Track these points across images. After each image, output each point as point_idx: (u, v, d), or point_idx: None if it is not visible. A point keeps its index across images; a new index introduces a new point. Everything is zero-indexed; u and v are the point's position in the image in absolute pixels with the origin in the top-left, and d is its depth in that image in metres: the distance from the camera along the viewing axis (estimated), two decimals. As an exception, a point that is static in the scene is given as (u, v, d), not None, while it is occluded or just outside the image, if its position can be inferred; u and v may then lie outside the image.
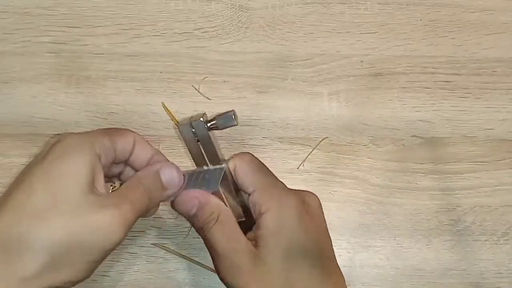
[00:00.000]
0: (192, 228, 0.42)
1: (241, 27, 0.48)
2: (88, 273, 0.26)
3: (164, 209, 0.43)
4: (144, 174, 0.30)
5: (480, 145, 0.46)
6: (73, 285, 0.26)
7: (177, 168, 0.31)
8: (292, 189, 0.33)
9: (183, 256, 0.41)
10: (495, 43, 0.49)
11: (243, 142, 0.45)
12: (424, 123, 0.47)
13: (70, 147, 0.27)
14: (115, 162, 0.30)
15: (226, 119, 0.32)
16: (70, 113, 0.45)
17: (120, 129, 0.31)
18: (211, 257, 0.30)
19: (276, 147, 0.45)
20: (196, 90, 0.46)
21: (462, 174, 0.45)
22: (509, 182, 0.45)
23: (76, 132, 0.29)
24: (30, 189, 0.25)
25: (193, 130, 0.32)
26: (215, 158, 0.33)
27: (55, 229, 0.24)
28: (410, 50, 0.49)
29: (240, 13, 0.49)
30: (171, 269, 0.42)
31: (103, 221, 0.25)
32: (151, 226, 0.42)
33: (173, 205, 0.32)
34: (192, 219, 0.31)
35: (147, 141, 0.32)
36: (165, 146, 0.44)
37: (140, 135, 0.32)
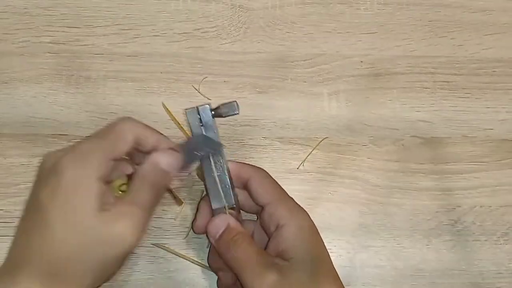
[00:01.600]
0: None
1: (241, 27, 0.48)
2: (113, 275, 0.29)
3: (164, 209, 0.43)
4: (145, 170, 0.31)
5: (480, 145, 0.46)
6: None
7: (173, 152, 0.32)
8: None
9: (183, 256, 0.41)
10: (495, 43, 0.49)
11: (243, 142, 0.45)
12: (424, 123, 0.47)
13: (75, 182, 0.28)
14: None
15: (230, 108, 0.35)
16: (70, 113, 0.45)
17: (116, 129, 0.31)
18: (237, 278, 0.31)
19: (276, 147, 0.45)
20: (196, 90, 0.46)
21: (462, 174, 0.45)
22: (509, 182, 0.45)
23: (76, 135, 0.30)
24: (52, 229, 0.27)
25: (199, 116, 0.35)
26: (216, 144, 0.35)
27: (87, 259, 0.27)
28: (410, 50, 0.49)
29: (240, 13, 0.49)
30: (171, 269, 0.42)
31: (118, 232, 0.27)
32: (151, 226, 0.42)
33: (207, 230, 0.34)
34: (217, 242, 0.33)
35: (147, 126, 0.32)
36: (165, 146, 0.44)
37: (138, 122, 0.32)
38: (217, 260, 0.34)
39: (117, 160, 0.30)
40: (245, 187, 0.35)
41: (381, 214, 0.44)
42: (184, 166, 0.33)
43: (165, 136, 0.34)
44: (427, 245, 0.43)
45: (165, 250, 0.42)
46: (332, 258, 0.42)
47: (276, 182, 0.36)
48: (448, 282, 0.42)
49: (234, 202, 0.35)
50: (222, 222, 0.33)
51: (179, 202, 0.43)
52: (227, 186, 0.35)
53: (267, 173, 0.36)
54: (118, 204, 0.28)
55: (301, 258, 0.31)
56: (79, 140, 0.31)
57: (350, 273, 0.42)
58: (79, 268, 0.27)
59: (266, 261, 0.31)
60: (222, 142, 0.44)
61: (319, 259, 0.32)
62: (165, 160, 0.31)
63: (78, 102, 0.45)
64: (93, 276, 0.27)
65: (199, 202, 0.38)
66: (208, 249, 0.39)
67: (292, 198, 0.35)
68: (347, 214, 0.44)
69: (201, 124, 0.35)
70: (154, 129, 0.33)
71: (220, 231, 0.33)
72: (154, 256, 0.42)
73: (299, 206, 0.35)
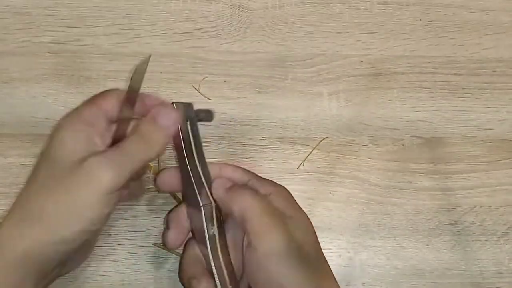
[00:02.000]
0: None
1: (241, 27, 0.48)
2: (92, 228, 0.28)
3: (164, 208, 0.43)
4: (142, 123, 0.30)
5: (480, 145, 0.46)
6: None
7: (172, 109, 0.31)
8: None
9: (183, 256, 0.41)
10: (495, 43, 0.49)
11: (243, 142, 0.45)
12: (424, 123, 0.47)
13: (63, 136, 0.29)
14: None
15: (207, 115, 0.34)
16: (70, 113, 0.45)
17: (105, 92, 0.32)
18: None
19: (276, 147, 0.45)
20: (196, 90, 0.46)
21: (462, 174, 0.45)
22: (509, 182, 0.45)
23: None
24: (35, 180, 0.29)
25: (185, 113, 0.32)
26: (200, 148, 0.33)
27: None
28: (410, 50, 0.49)
29: (240, 13, 0.49)
30: (171, 269, 0.41)
31: (93, 176, 0.27)
32: (151, 226, 0.42)
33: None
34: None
35: (145, 94, 0.32)
36: (165, 146, 0.44)
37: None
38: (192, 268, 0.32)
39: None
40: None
41: (381, 214, 0.44)
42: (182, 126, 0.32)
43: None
44: (427, 245, 0.43)
45: (165, 250, 0.42)
46: (332, 258, 0.42)
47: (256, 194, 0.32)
48: (448, 282, 0.42)
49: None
50: (225, 181, 0.32)
51: (179, 202, 0.43)
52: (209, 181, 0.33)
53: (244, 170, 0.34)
54: (104, 150, 0.28)
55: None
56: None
57: (350, 273, 0.42)
58: (53, 213, 0.27)
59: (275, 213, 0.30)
60: (222, 142, 0.45)
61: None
62: (163, 115, 0.30)
63: (78, 102, 0.45)
64: (68, 224, 0.27)
65: (169, 213, 0.34)
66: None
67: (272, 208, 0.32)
68: (347, 214, 0.44)
69: (186, 120, 0.33)
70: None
71: (228, 185, 0.32)
72: (154, 256, 0.42)
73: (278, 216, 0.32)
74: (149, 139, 0.29)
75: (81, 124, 0.29)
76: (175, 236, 0.33)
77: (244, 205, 0.30)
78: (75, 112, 0.30)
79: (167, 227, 0.33)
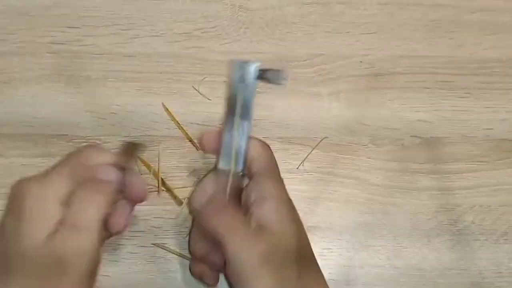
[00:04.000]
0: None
1: (241, 28, 0.48)
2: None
3: (164, 208, 0.43)
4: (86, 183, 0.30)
5: (480, 145, 0.46)
6: None
7: (112, 166, 0.30)
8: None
9: (183, 256, 0.41)
10: (495, 43, 0.49)
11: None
12: (424, 123, 0.47)
13: (32, 207, 0.27)
14: None
15: (277, 76, 0.32)
16: (70, 114, 0.45)
17: (79, 154, 0.31)
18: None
19: (276, 147, 0.45)
20: (196, 90, 0.46)
21: (461, 174, 0.45)
22: (508, 182, 0.45)
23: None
24: (5, 255, 0.27)
25: (243, 72, 0.32)
26: (247, 112, 0.33)
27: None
28: (409, 50, 0.49)
29: (240, 13, 0.49)
30: (171, 269, 0.42)
31: (69, 255, 0.26)
32: (151, 226, 0.42)
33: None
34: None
35: (111, 153, 0.31)
36: (165, 146, 0.44)
37: (104, 150, 0.31)
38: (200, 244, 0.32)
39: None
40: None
41: (380, 213, 0.44)
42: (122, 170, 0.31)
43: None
44: (427, 244, 0.43)
45: (165, 250, 0.42)
46: (332, 258, 0.42)
47: (274, 160, 0.34)
48: (448, 282, 0.43)
49: (241, 169, 0.32)
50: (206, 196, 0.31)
51: (179, 202, 0.43)
52: (241, 152, 0.32)
53: (272, 156, 0.34)
54: (67, 222, 0.27)
55: (283, 232, 0.29)
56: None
57: (349, 273, 0.42)
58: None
59: (254, 229, 0.29)
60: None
61: (302, 237, 0.31)
62: (104, 171, 0.30)
63: (78, 102, 0.45)
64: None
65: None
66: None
67: (281, 179, 0.33)
68: (347, 213, 0.44)
69: (242, 82, 0.32)
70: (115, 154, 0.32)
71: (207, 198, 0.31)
72: (154, 256, 0.42)
73: (283, 184, 0.33)
74: (99, 199, 0.29)
75: (51, 193, 0.28)
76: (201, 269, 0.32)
77: (222, 228, 0.29)
78: (45, 178, 0.29)
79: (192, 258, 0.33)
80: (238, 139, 0.32)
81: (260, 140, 0.34)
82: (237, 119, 0.32)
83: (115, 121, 0.45)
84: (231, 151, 0.32)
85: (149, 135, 0.44)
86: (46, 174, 0.29)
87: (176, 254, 0.42)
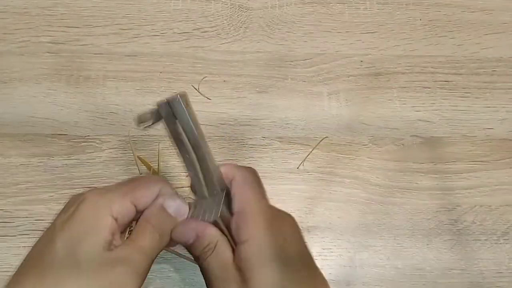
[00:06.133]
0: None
1: (241, 27, 0.48)
2: None
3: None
4: (149, 212, 0.30)
5: (480, 145, 0.46)
6: None
7: (180, 197, 0.31)
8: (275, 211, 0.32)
9: (183, 256, 0.41)
10: (495, 43, 0.49)
11: (243, 142, 0.45)
12: (424, 123, 0.47)
13: (89, 215, 0.27)
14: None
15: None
16: (70, 113, 0.45)
17: (146, 179, 0.30)
18: (206, 284, 0.30)
19: (276, 147, 0.45)
20: (196, 90, 0.46)
21: (461, 173, 0.45)
22: (508, 182, 0.45)
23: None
24: (55, 250, 0.27)
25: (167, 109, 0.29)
26: (195, 139, 0.30)
27: None
28: (409, 50, 0.49)
29: (240, 13, 0.49)
30: (171, 269, 0.41)
31: (115, 279, 0.26)
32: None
33: (171, 234, 0.32)
34: (189, 248, 0.31)
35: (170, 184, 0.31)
36: (165, 146, 0.44)
37: (166, 182, 0.31)
38: None
39: (139, 208, 0.29)
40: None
41: (381, 213, 0.44)
42: (189, 215, 0.30)
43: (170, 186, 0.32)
44: (427, 244, 0.43)
45: (165, 250, 0.41)
46: (332, 258, 0.42)
47: (258, 187, 0.32)
48: (448, 282, 0.42)
49: (217, 190, 0.31)
50: (191, 231, 0.30)
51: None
52: (211, 174, 0.30)
53: (254, 174, 0.32)
54: (120, 247, 0.27)
55: (259, 279, 0.28)
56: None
57: (350, 273, 0.42)
58: None
59: (231, 276, 0.29)
60: (222, 141, 0.45)
61: (285, 268, 0.29)
62: (172, 204, 0.30)
63: (78, 102, 0.45)
64: None
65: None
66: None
67: (269, 208, 0.31)
68: (347, 213, 0.44)
69: (174, 118, 0.29)
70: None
71: (191, 240, 0.30)
72: (154, 256, 0.42)
73: (274, 217, 0.31)
74: (162, 231, 0.29)
75: (110, 206, 0.28)
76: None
77: (243, 199, 0.30)
78: (107, 197, 0.28)
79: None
80: (201, 167, 0.31)
81: (238, 168, 0.32)
82: (190, 152, 0.30)
83: (115, 120, 0.45)
84: (200, 181, 0.31)
85: (148, 135, 0.44)
86: (107, 188, 0.29)
87: (176, 254, 0.41)
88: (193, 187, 0.32)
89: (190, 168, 0.31)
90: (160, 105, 0.29)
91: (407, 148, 0.46)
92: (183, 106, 0.29)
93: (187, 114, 0.29)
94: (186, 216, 0.30)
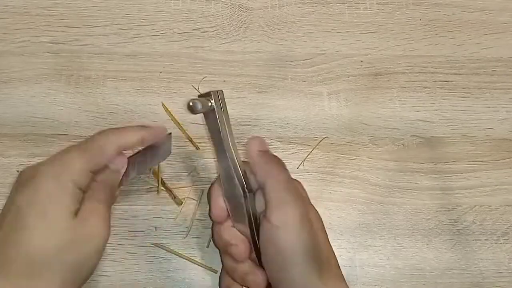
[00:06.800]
0: (192, 228, 0.42)
1: (241, 27, 0.48)
2: (91, 273, 0.30)
3: (164, 209, 0.43)
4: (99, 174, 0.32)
5: (480, 145, 0.46)
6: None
7: (121, 155, 0.32)
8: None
9: (183, 256, 0.41)
10: (494, 43, 0.49)
11: (243, 142, 0.45)
12: (424, 123, 0.47)
13: (51, 189, 0.28)
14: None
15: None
16: (70, 113, 0.45)
17: (96, 142, 0.31)
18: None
19: (275, 147, 0.45)
20: (196, 90, 0.46)
21: (461, 173, 0.45)
22: (508, 182, 0.45)
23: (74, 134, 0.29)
24: (29, 234, 0.28)
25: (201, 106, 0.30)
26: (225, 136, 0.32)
27: (60, 248, 0.27)
28: (409, 50, 0.49)
29: (240, 13, 0.49)
30: (171, 269, 0.41)
31: (90, 231, 0.29)
32: (151, 226, 0.42)
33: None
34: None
35: (127, 129, 0.32)
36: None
37: (119, 130, 0.32)
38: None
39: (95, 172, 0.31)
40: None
41: (381, 213, 0.44)
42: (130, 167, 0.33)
43: (144, 126, 0.33)
44: (427, 244, 0.43)
45: (165, 250, 0.41)
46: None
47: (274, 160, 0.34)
48: (448, 282, 0.42)
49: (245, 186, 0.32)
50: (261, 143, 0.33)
51: (179, 202, 0.43)
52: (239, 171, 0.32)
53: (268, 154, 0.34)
54: (86, 203, 0.29)
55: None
56: (59, 151, 0.30)
57: (350, 273, 0.42)
58: (57, 268, 0.27)
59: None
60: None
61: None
62: (113, 162, 0.32)
63: (78, 101, 0.45)
64: (71, 276, 0.28)
65: (209, 189, 0.34)
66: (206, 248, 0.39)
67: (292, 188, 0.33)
68: (347, 213, 0.44)
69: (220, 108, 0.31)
70: (134, 127, 0.32)
71: (262, 147, 0.33)
72: (154, 256, 0.42)
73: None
74: (110, 186, 0.32)
75: (69, 177, 0.29)
76: (217, 210, 0.33)
77: (269, 174, 0.32)
78: (61, 162, 0.29)
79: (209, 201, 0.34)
80: (233, 162, 0.32)
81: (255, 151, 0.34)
82: (221, 148, 0.32)
83: (115, 120, 0.45)
84: (233, 176, 0.32)
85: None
86: (55, 157, 0.30)
87: (176, 254, 0.41)
88: (223, 183, 0.33)
89: (224, 163, 0.32)
90: (212, 93, 0.30)
91: (407, 148, 0.46)
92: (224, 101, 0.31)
93: (226, 110, 0.32)
94: (125, 166, 0.32)
